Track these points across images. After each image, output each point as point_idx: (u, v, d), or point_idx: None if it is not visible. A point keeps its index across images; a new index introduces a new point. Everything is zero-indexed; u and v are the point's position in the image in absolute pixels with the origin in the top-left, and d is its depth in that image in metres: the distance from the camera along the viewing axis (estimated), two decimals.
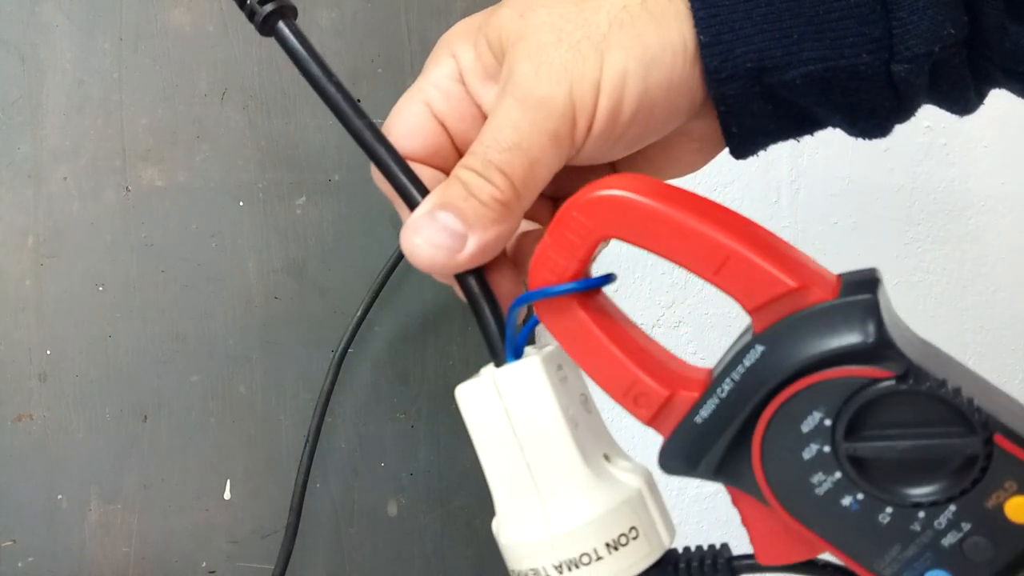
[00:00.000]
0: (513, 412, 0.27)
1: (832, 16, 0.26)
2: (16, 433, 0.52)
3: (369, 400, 0.58)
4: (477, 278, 0.29)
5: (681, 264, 0.25)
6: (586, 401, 0.29)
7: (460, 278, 0.29)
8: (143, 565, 0.54)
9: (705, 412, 0.25)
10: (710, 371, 0.27)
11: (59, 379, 0.53)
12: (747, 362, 0.24)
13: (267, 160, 0.56)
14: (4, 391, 0.52)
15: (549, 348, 0.29)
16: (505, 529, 0.28)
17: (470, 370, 0.61)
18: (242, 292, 0.56)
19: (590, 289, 0.27)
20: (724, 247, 0.24)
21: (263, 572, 0.55)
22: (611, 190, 0.25)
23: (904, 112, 0.29)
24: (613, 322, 0.27)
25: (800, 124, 0.30)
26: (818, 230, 0.72)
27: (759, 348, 0.24)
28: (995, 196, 0.79)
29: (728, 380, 0.25)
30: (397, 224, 0.58)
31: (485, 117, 0.30)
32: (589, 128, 0.28)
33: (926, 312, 0.77)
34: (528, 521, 0.27)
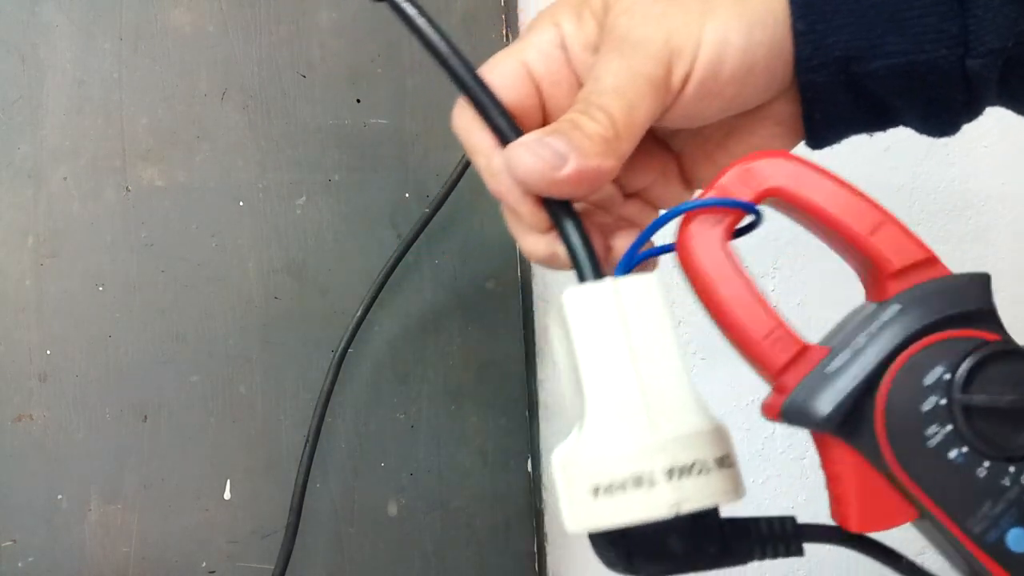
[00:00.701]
0: (629, 320, 0.27)
1: (913, 13, 0.28)
2: (16, 433, 0.52)
3: (369, 400, 0.58)
4: (568, 210, 0.30)
5: (837, 223, 0.27)
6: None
7: (554, 209, 0.30)
8: (143, 565, 0.54)
9: (838, 362, 0.26)
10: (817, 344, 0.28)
11: (59, 379, 0.53)
12: (884, 317, 0.27)
13: (267, 160, 0.56)
14: (4, 391, 0.52)
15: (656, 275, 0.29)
16: (598, 438, 0.26)
17: (470, 370, 0.61)
18: (242, 292, 0.56)
19: (750, 221, 0.28)
20: (882, 211, 0.28)
21: (263, 572, 0.55)
22: (780, 155, 0.28)
23: (974, 109, 0.31)
24: (746, 272, 0.28)
25: (876, 117, 0.32)
26: None
27: (896, 307, 0.27)
28: (995, 196, 0.79)
29: (865, 334, 0.27)
30: (397, 224, 0.58)
31: (580, 86, 0.31)
32: (686, 77, 0.29)
33: None
34: (633, 426, 0.26)
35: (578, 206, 0.32)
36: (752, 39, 0.29)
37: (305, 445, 0.55)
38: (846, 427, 0.26)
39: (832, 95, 0.30)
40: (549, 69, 0.32)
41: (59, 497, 0.53)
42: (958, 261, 0.89)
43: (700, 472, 0.25)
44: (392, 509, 0.58)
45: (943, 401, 0.26)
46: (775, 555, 0.27)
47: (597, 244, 0.31)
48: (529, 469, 0.61)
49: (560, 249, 0.31)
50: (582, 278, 0.29)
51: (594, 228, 0.32)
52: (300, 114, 0.57)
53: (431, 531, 0.59)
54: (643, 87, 0.29)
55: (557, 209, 0.30)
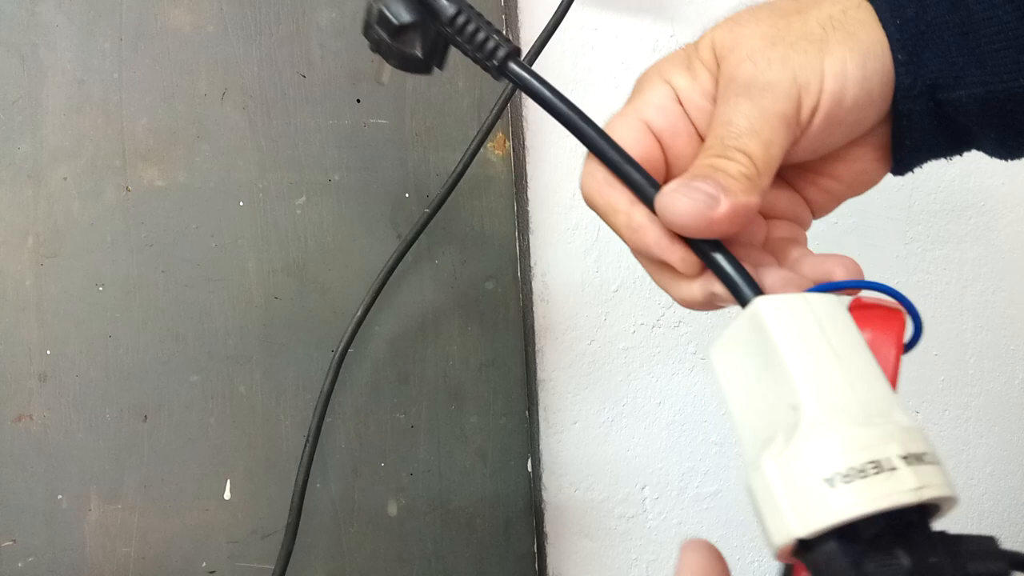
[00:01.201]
0: (826, 327, 0.27)
1: (993, 48, 0.31)
2: (16, 433, 0.52)
3: (369, 400, 0.58)
4: (718, 246, 0.31)
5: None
6: None
7: (704, 249, 0.31)
8: (143, 565, 0.54)
9: None
10: None
11: (59, 379, 0.53)
12: None
13: (267, 160, 0.56)
14: (4, 391, 0.52)
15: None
16: (824, 433, 0.25)
17: (470, 370, 0.61)
18: (242, 292, 0.56)
19: (913, 342, 0.30)
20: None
21: (263, 572, 0.55)
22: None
23: None
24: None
25: (955, 142, 0.34)
26: (818, 230, 0.71)
27: None
28: (995, 196, 0.79)
29: None
30: (397, 224, 0.58)
31: (700, 135, 0.33)
32: (814, 110, 0.31)
33: (926, 312, 0.77)
34: (858, 419, 0.25)
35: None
36: (867, 68, 0.31)
37: (305, 445, 0.55)
38: None
39: (921, 122, 0.33)
40: (668, 123, 0.33)
41: (59, 497, 0.53)
42: (958, 261, 0.89)
43: (932, 462, 0.25)
44: (392, 509, 0.58)
45: None
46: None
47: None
48: (529, 469, 0.61)
49: (717, 287, 0.31)
50: (745, 303, 0.30)
51: (746, 266, 0.33)
52: (300, 114, 0.57)
53: (431, 531, 0.59)
54: (777, 125, 0.31)
55: (707, 248, 0.31)
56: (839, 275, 0.32)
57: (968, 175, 0.78)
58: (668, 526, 0.68)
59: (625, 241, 0.33)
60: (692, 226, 0.30)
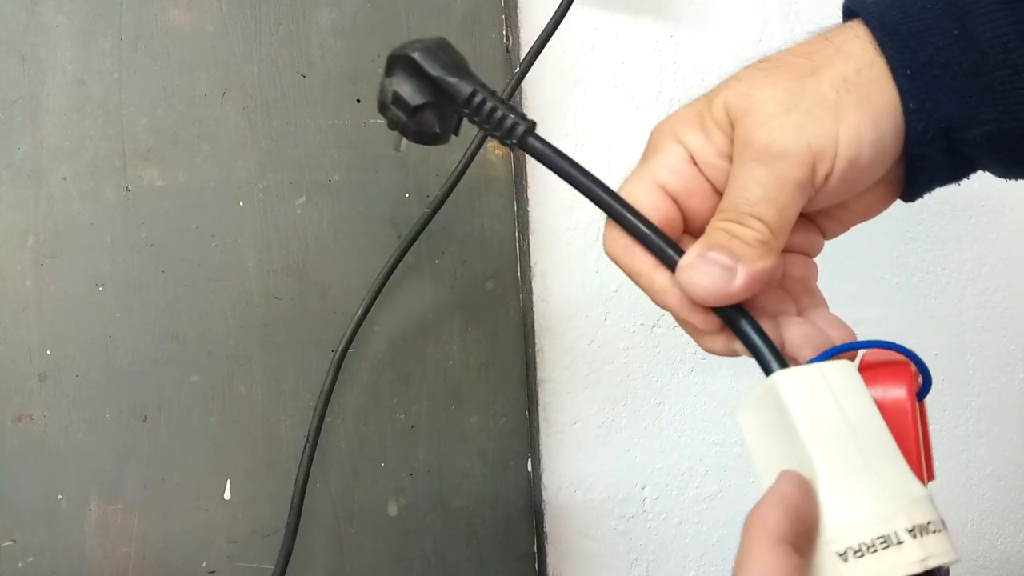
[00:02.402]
0: (840, 398, 0.29)
1: (1006, 88, 0.31)
2: (16, 433, 0.52)
3: (369, 400, 0.58)
4: (741, 310, 0.32)
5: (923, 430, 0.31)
6: None
7: (725, 311, 0.33)
8: (143, 565, 0.54)
9: None
10: None
11: (59, 379, 0.53)
12: None
13: (267, 160, 0.56)
14: (4, 391, 0.52)
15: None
16: (836, 506, 0.28)
17: (470, 370, 0.61)
18: (242, 292, 0.56)
19: (924, 391, 0.32)
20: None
21: (263, 572, 0.55)
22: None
23: None
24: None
25: (964, 171, 0.35)
26: None
27: None
28: (995, 196, 0.79)
29: None
30: (397, 224, 0.58)
31: (716, 192, 0.34)
32: (828, 176, 0.32)
33: (926, 312, 0.77)
34: (868, 493, 0.27)
35: None
36: (881, 130, 0.32)
37: (305, 445, 0.55)
38: None
39: (934, 160, 0.34)
40: (684, 185, 0.34)
41: (59, 497, 0.53)
42: (958, 261, 0.89)
43: (936, 531, 0.27)
44: (392, 509, 0.58)
45: None
46: None
47: (773, 336, 0.33)
48: (529, 469, 0.61)
49: (738, 345, 0.33)
50: (769, 371, 0.31)
51: (770, 323, 0.34)
52: (300, 114, 0.57)
53: (431, 531, 0.59)
54: (792, 191, 0.32)
55: (728, 312, 0.32)
56: (837, 338, 0.34)
57: None
58: (668, 526, 0.68)
59: (651, 299, 0.35)
60: (712, 299, 0.32)
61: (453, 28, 0.60)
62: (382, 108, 0.36)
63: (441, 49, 0.35)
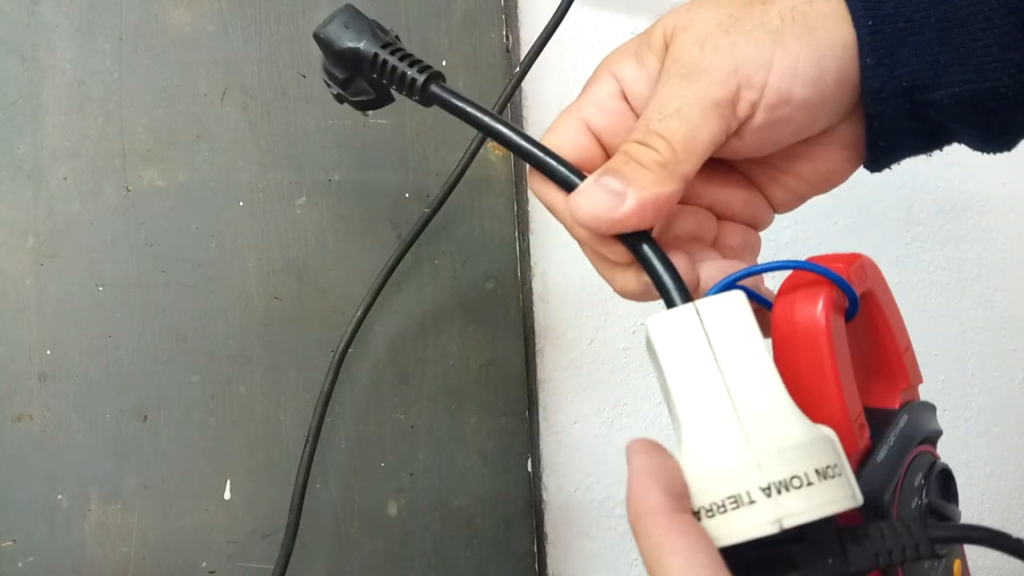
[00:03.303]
0: (715, 338, 0.27)
1: (977, 45, 0.29)
2: (16, 433, 0.52)
3: (369, 400, 0.58)
4: (647, 239, 0.30)
5: (888, 334, 0.32)
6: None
7: (630, 239, 0.30)
8: (143, 565, 0.54)
9: (881, 455, 0.29)
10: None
11: (59, 379, 0.53)
12: (900, 424, 0.31)
13: (267, 160, 0.56)
14: (4, 391, 0.52)
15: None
16: (694, 462, 0.26)
17: (470, 370, 0.61)
18: (242, 292, 0.56)
19: (853, 308, 0.30)
20: (908, 335, 0.33)
21: (263, 572, 0.55)
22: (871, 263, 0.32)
23: None
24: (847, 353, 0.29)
25: (934, 140, 0.33)
26: (818, 230, 0.72)
27: (905, 417, 0.32)
28: (995, 196, 0.79)
29: (892, 434, 0.31)
30: (397, 224, 0.58)
31: None
32: (755, 104, 0.30)
33: (926, 312, 0.77)
34: (727, 446, 0.26)
35: (670, 235, 0.33)
36: (822, 68, 0.30)
37: (305, 445, 0.55)
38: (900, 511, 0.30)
39: (896, 123, 0.31)
40: (609, 122, 0.33)
41: (59, 497, 0.53)
42: (957, 261, 0.89)
43: (800, 486, 0.25)
44: (392, 509, 0.58)
45: (919, 500, 0.31)
46: (903, 559, 0.26)
47: (685, 272, 0.31)
48: (529, 469, 0.61)
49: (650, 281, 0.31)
50: (669, 303, 0.29)
51: (683, 258, 0.32)
52: (300, 114, 0.57)
53: (431, 531, 0.59)
54: (708, 110, 0.29)
55: (635, 241, 0.30)
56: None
57: (968, 175, 0.78)
58: None
59: (569, 233, 0.33)
60: (598, 228, 0.30)
61: (453, 28, 0.60)
62: (327, 86, 0.38)
63: (349, 19, 0.36)
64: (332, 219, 0.57)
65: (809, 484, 0.25)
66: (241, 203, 0.56)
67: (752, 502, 0.25)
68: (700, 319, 0.28)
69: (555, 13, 0.56)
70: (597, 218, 0.30)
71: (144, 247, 0.54)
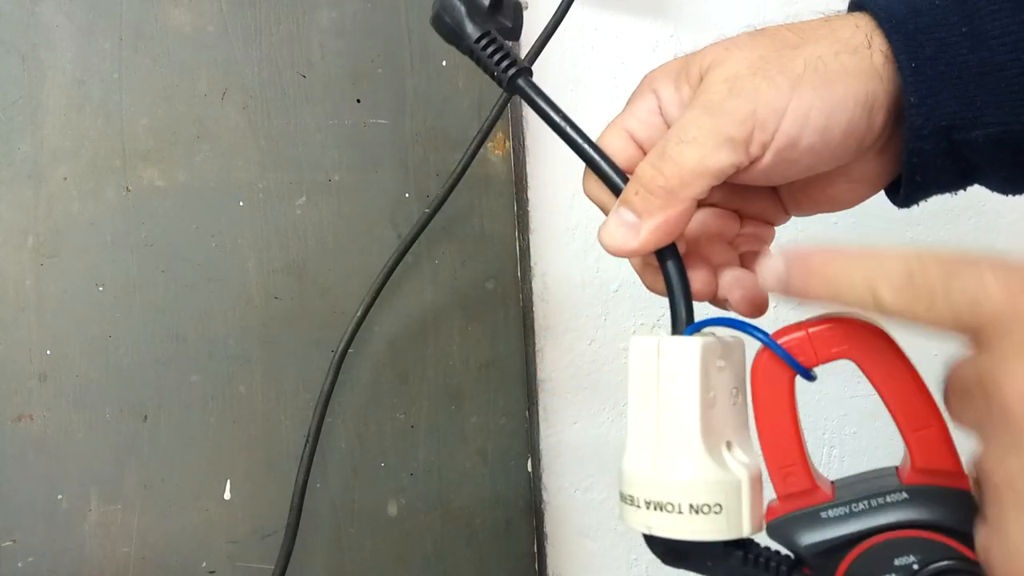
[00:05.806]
0: (663, 374, 0.32)
1: (1013, 87, 0.31)
2: (16, 433, 0.52)
3: (369, 400, 0.58)
4: (672, 257, 0.34)
5: (888, 404, 0.31)
6: (736, 394, 0.34)
7: (659, 257, 0.34)
8: (143, 565, 0.54)
9: (833, 513, 0.31)
10: (832, 483, 0.33)
11: (59, 379, 0.53)
12: (889, 499, 0.31)
13: (267, 160, 0.56)
14: (4, 391, 0.52)
15: (714, 340, 0.33)
16: (626, 458, 0.33)
17: (470, 370, 0.61)
18: (242, 292, 0.56)
19: (806, 378, 0.32)
20: (934, 416, 0.31)
21: (263, 572, 0.55)
22: (858, 324, 0.31)
23: None
24: (795, 410, 0.32)
25: (962, 179, 0.35)
26: (818, 229, 0.72)
27: (903, 495, 0.31)
28: (995, 196, 0.79)
29: (864, 502, 0.31)
30: (397, 224, 0.58)
31: None
32: (765, 145, 0.33)
33: None
34: (641, 460, 0.33)
35: (699, 231, 0.37)
36: (831, 119, 0.32)
37: (305, 445, 0.55)
38: (815, 562, 0.31)
39: (933, 160, 0.34)
40: (647, 133, 0.36)
41: (59, 497, 0.53)
42: None
43: (671, 511, 0.32)
44: (392, 509, 0.58)
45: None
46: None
47: (706, 284, 0.37)
48: (529, 469, 0.61)
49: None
50: (675, 326, 0.34)
51: (706, 271, 0.37)
52: (300, 114, 0.57)
53: (431, 531, 0.59)
54: (722, 144, 0.32)
55: (662, 257, 0.34)
56: (769, 280, 0.33)
57: None
58: None
59: None
60: (624, 255, 0.34)
61: None
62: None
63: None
64: (332, 219, 0.57)
65: (680, 513, 0.31)
66: (241, 203, 0.56)
67: (638, 507, 0.32)
68: (659, 354, 0.33)
69: (555, 13, 0.56)
70: (619, 249, 0.34)
71: (144, 247, 0.54)
